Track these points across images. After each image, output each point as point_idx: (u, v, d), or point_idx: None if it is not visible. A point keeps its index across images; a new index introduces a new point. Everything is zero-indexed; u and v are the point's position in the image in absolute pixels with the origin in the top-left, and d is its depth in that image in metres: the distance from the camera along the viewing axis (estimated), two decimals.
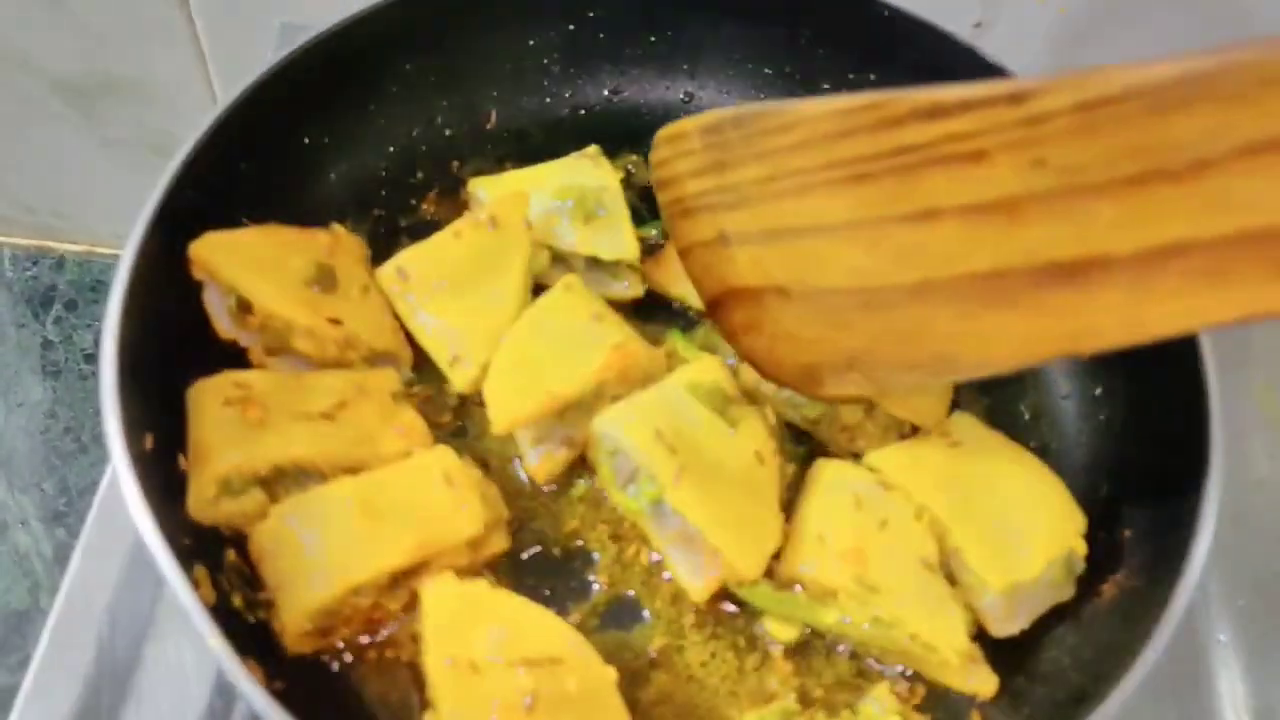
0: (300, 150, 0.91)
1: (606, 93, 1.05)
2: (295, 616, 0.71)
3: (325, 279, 0.84)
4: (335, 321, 0.83)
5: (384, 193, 0.97)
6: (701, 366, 0.83)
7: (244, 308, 0.81)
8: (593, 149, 0.98)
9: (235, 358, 0.83)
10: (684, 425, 0.79)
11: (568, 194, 0.92)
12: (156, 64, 1.35)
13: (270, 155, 0.88)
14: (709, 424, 0.80)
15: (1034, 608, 0.76)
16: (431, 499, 0.75)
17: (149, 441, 0.72)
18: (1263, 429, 1.03)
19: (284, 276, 0.83)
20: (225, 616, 0.68)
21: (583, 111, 1.05)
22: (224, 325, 0.83)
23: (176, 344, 0.79)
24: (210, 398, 0.77)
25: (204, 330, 0.83)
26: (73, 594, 0.85)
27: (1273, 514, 0.98)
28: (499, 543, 0.79)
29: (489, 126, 1.02)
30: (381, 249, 0.93)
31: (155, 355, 0.75)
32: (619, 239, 0.91)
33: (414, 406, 0.83)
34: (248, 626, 0.72)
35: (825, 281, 0.71)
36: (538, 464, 0.84)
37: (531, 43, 1.01)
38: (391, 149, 0.98)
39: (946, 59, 0.94)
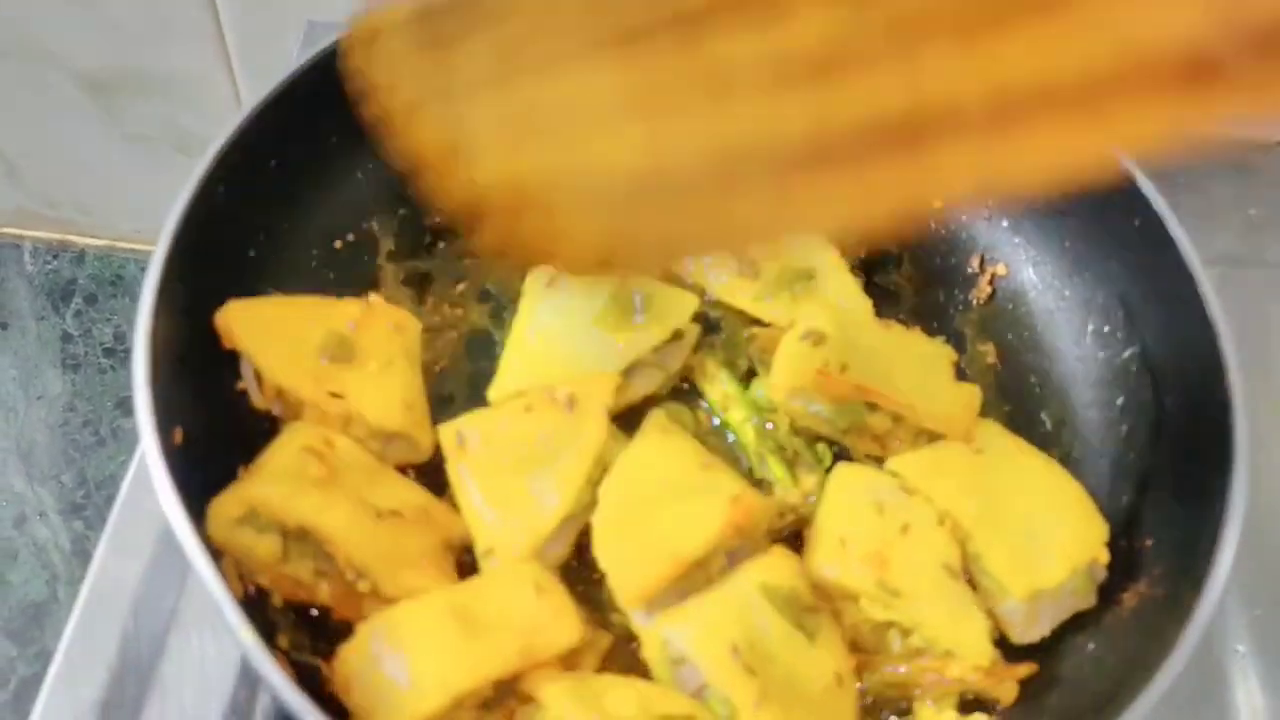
0: (328, 149, 0.91)
1: None
2: None
3: (341, 350, 0.81)
4: (337, 396, 0.79)
5: (410, 193, 0.97)
6: (774, 564, 0.76)
7: (261, 377, 0.81)
8: None
9: None
10: (760, 638, 0.71)
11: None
12: (181, 60, 1.36)
13: (299, 153, 0.89)
14: (786, 637, 0.72)
15: (1055, 615, 0.77)
16: (527, 608, 0.72)
17: (178, 435, 0.72)
18: None
19: (298, 346, 0.81)
20: (252, 608, 0.69)
21: None
22: (254, 396, 0.82)
23: (207, 340, 0.79)
24: (297, 438, 0.78)
25: None
26: (98, 584, 0.85)
27: None
28: (591, 660, 0.75)
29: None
30: (406, 249, 0.95)
31: (185, 350, 0.76)
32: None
33: (455, 560, 0.78)
34: (274, 619, 0.73)
35: (597, 167, 0.58)
36: (646, 632, 0.75)
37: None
38: None
39: None
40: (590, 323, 0.84)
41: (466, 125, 0.62)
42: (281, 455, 0.76)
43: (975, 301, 0.97)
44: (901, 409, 0.83)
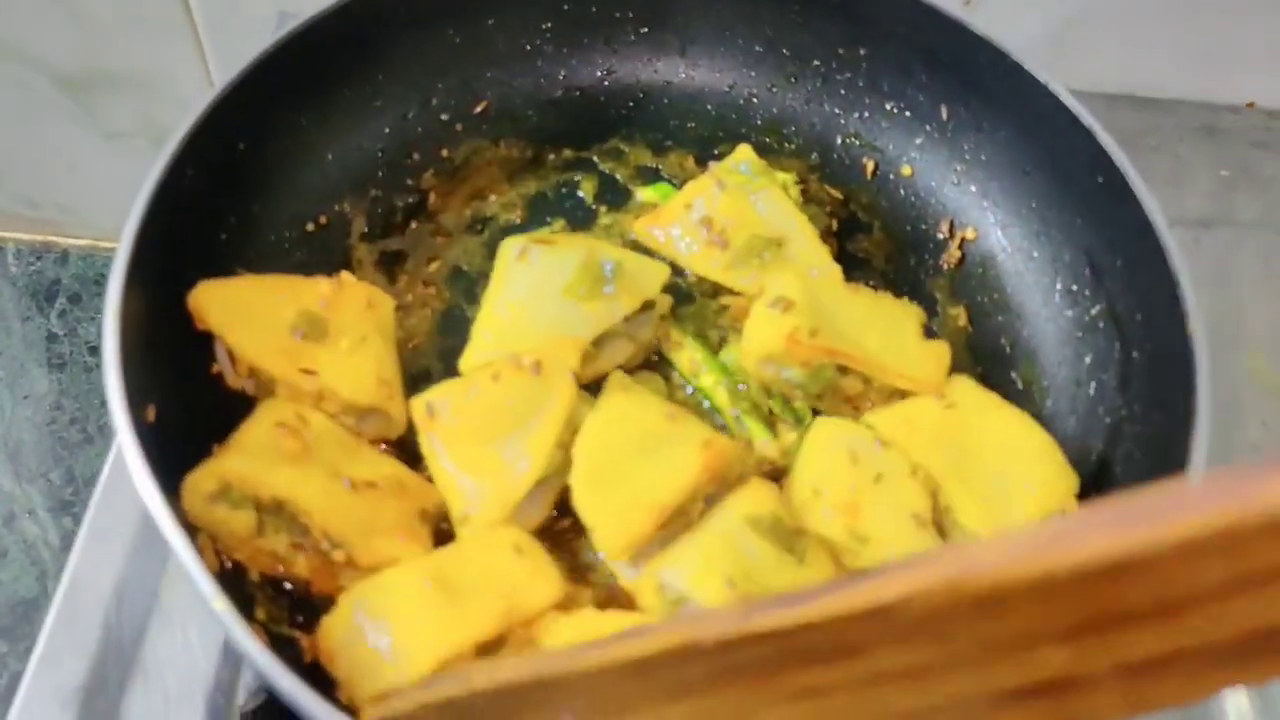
0: (297, 131, 0.92)
1: (600, 73, 1.06)
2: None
3: (313, 328, 0.81)
4: (309, 372, 0.80)
5: (381, 174, 0.98)
6: (754, 495, 0.77)
7: (234, 356, 0.81)
8: None
9: None
10: (752, 566, 0.72)
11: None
12: (155, 56, 1.36)
13: (267, 136, 0.89)
14: (777, 562, 0.73)
15: None
16: (507, 570, 0.73)
17: (151, 413, 0.73)
18: (1257, 396, 1.04)
19: (269, 325, 0.81)
20: (229, 582, 0.69)
21: (577, 92, 1.06)
22: (229, 376, 0.82)
23: (178, 321, 0.80)
24: (271, 413, 0.78)
25: None
26: (79, 571, 0.86)
27: None
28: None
29: (484, 108, 1.03)
30: (378, 229, 0.96)
31: (156, 331, 0.76)
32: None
33: (431, 529, 0.79)
34: (251, 592, 0.73)
35: None
36: (639, 580, 0.77)
37: (524, 23, 1.02)
38: (387, 130, 0.98)
39: (936, 33, 0.95)
40: (559, 293, 0.84)
41: None
42: (255, 430, 0.77)
43: (945, 266, 0.98)
44: (871, 369, 0.83)
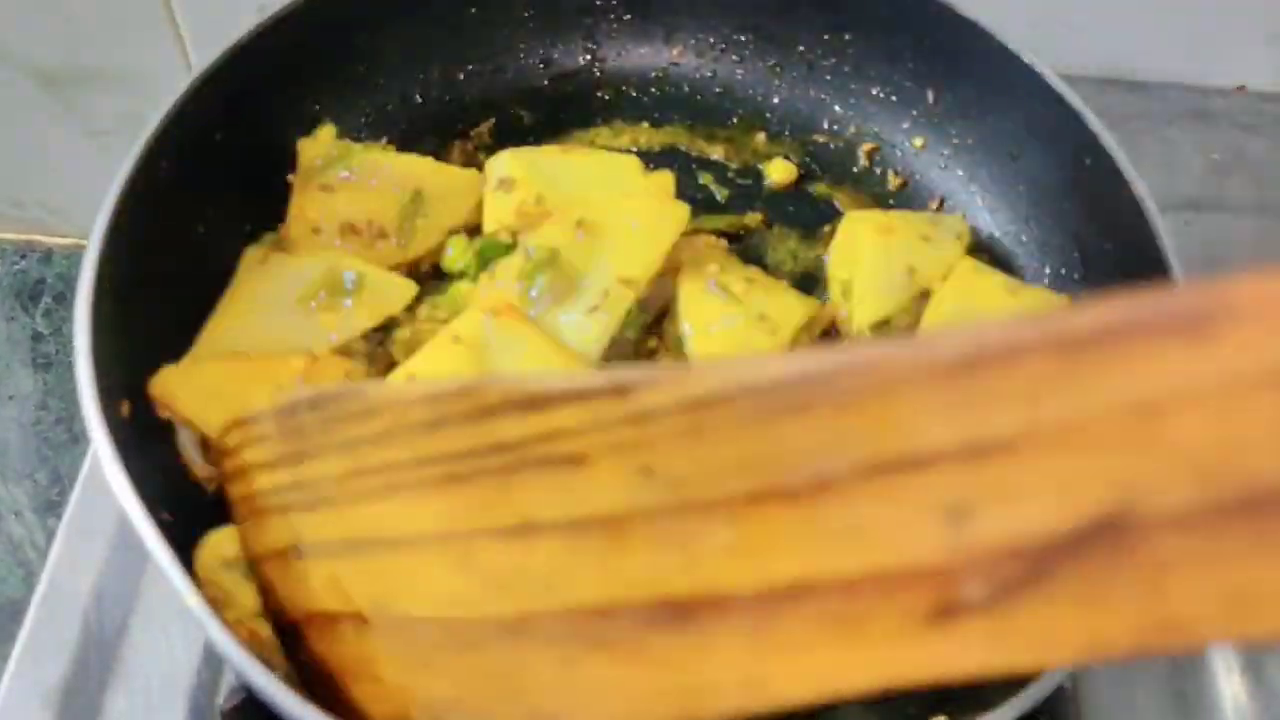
0: (273, 122, 0.91)
1: (582, 62, 1.05)
2: None
3: None
4: None
5: None
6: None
7: (204, 444, 0.77)
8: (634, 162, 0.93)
9: None
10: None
11: (543, 253, 0.84)
12: (136, 52, 1.35)
13: (243, 126, 0.88)
14: None
15: None
16: None
17: (126, 409, 0.72)
18: None
19: (244, 408, 0.75)
20: None
21: (560, 82, 1.05)
22: (197, 465, 0.78)
23: (152, 317, 0.78)
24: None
25: (180, 303, 0.82)
26: (59, 570, 0.85)
27: None
28: None
29: (466, 98, 1.02)
30: None
31: (130, 326, 0.75)
32: (580, 344, 0.82)
33: None
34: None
35: (408, 608, 0.57)
36: None
37: (505, 12, 1.01)
38: (364, 119, 0.97)
39: (923, 17, 0.94)
40: (294, 301, 0.83)
41: (308, 532, 0.62)
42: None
43: None
44: (601, 213, 0.86)
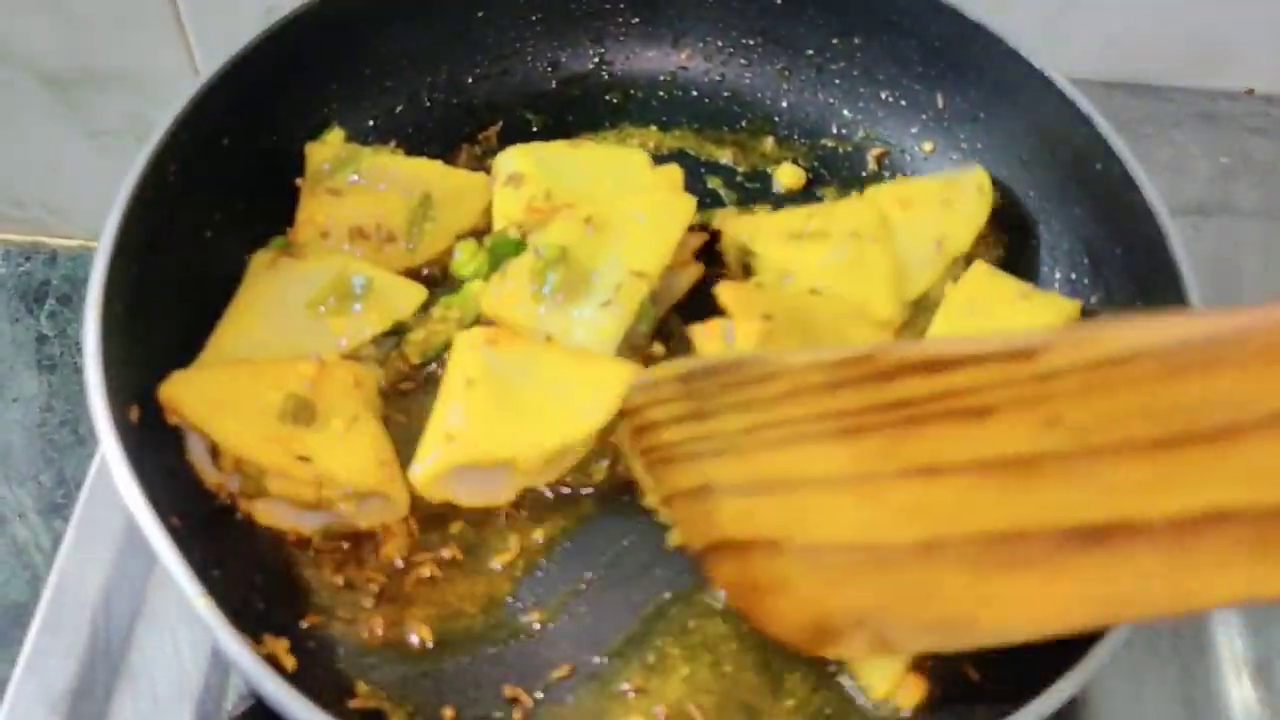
0: (281, 126, 0.91)
1: (590, 66, 1.05)
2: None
3: (302, 412, 0.77)
4: (304, 459, 0.76)
5: None
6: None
7: (215, 451, 0.77)
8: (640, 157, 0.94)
9: None
10: None
11: (553, 251, 0.84)
12: (142, 53, 1.35)
13: (251, 130, 0.88)
14: None
15: None
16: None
17: (135, 414, 0.72)
18: None
19: (254, 413, 0.76)
20: (214, 585, 0.68)
21: (568, 85, 1.04)
22: (207, 473, 0.78)
23: (160, 321, 0.78)
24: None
25: (189, 307, 0.82)
26: (66, 574, 0.85)
27: None
28: None
29: (474, 101, 1.02)
30: None
31: (139, 330, 0.75)
32: (596, 339, 0.82)
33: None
34: (238, 593, 0.72)
35: (819, 537, 0.65)
36: None
37: (514, 16, 1.01)
38: (371, 123, 0.97)
39: (932, 20, 0.93)
40: (303, 306, 0.83)
41: (717, 475, 0.71)
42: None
43: None
44: (602, 208, 0.86)
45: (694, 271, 0.91)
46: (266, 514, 0.78)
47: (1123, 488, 0.50)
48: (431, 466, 0.78)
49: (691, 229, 0.90)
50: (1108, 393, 0.50)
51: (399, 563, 0.78)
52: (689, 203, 0.88)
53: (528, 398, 0.80)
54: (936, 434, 0.56)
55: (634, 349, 0.86)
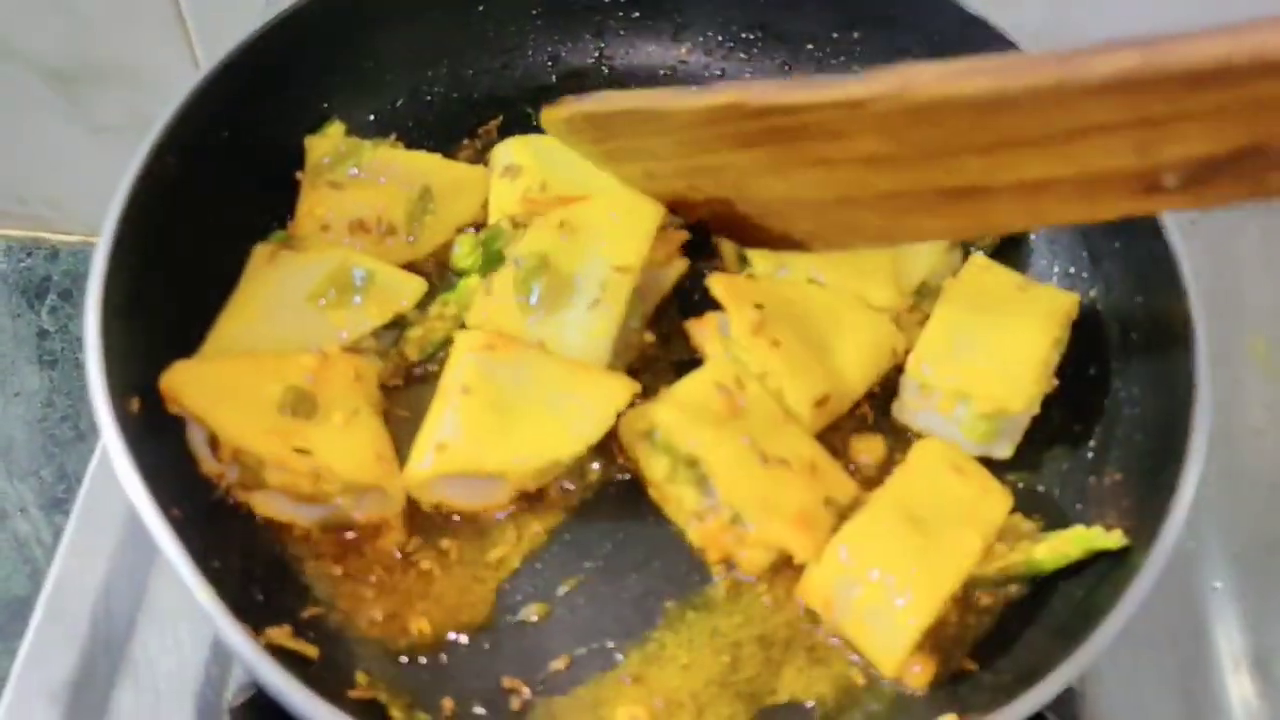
0: (281, 119, 0.91)
1: (591, 60, 1.05)
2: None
3: (302, 404, 0.77)
4: (303, 452, 0.75)
5: None
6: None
7: (214, 441, 0.77)
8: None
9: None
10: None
11: (533, 259, 0.84)
12: (143, 49, 1.35)
13: (251, 123, 0.88)
14: None
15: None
16: (958, 492, 0.78)
17: (135, 405, 0.72)
18: (1259, 381, 1.03)
19: (254, 404, 0.76)
20: (217, 578, 0.68)
21: (568, 79, 1.04)
22: (207, 463, 0.78)
23: (161, 314, 0.78)
24: (712, 373, 0.82)
25: (190, 301, 0.82)
26: (67, 567, 0.85)
27: (1268, 462, 0.98)
28: None
29: (474, 95, 1.02)
30: None
31: (140, 323, 0.75)
32: (589, 340, 0.83)
33: (835, 520, 0.78)
34: (239, 584, 0.72)
35: (758, 196, 0.81)
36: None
37: (514, 9, 1.01)
38: (372, 117, 0.97)
39: (931, 14, 0.93)
40: (303, 299, 0.83)
41: (656, 168, 0.86)
42: (694, 385, 0.81)
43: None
44: (576, 212, 0.87)
45: (679, 266, 0.91)
46: (264, 505, 0.78)
47: (968, 171, 0.67)
48: (421, 473, 0.78)
49: (674, 226, 0.90)
50: (929, 124, 0.65)
51: (397, 554, 0.78)
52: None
53: (523, 408, 0.79)
54: (812, 145, 0.72)
55: (628, 346, 0.86)
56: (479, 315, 0.85)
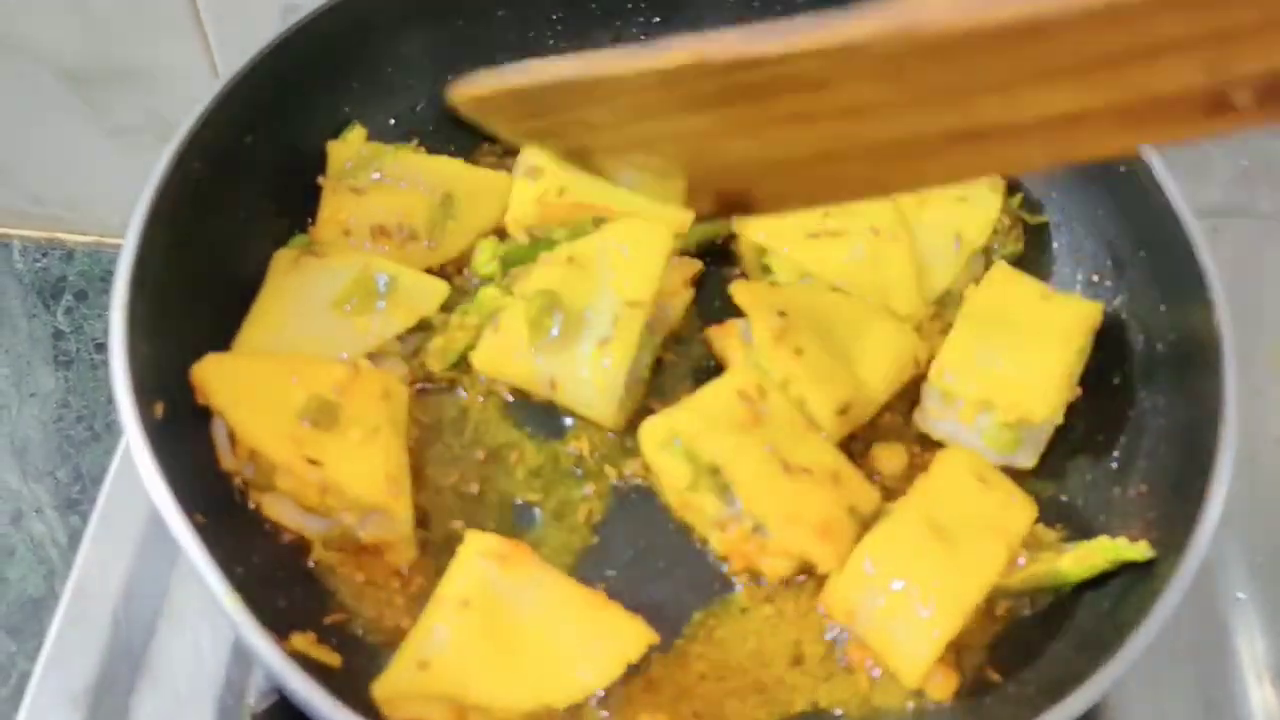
0: (303, 124, 0.91)
1: None
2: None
3: (323, 415, 0.76)
4: (315, 463, 0.74)
5: None
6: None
7: (234, 437, 0.77)
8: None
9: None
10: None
11: (542, 297, 0.82)
12: (161, 51, 1.35)
13: (273, 128, 0.88)
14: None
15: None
16: (981, 503, 0.78)
17: (160, 410, 0.72)
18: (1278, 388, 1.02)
19: (277, 408, 0.76)
20: (239, 581, 0.68)
21: None
22: (225, 456, 0.78)
23: (184, 318, 0.79)
24: (734, 380, 0.81)
25: (212, 305, 0.82)
26: (87, 570, 0.85)
27: None
28: None
29: None
30: None
31: (163, 327, 0.75)
32: (601, 377, 0.81)
33: (858, 530, 0.78)
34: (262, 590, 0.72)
35: (726, 162, 0.68)
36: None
37: (535, 14, 1.01)
38: (393, 121, 0.97)
39: None
40: (328, 305, 0.83)
41: (594, 144, 0.71)
42: (716, 393, 0.80)
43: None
44: (615, 213, 0.88)
45: (686, 296, 0.91)
46: (273, 508, 0.78)
47: (984, 109, 0.56)
48: (395, 688, 0.70)
49: (686, 254, 0.90)
50: (943, 61, 0.53)
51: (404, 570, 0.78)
52: (668, 226, 0.86)
53: (524, 638, 0.72)
54: (788, 98, 0.59)
55: (637, 382, 0.85)
56: (486, 352, 0.84)
